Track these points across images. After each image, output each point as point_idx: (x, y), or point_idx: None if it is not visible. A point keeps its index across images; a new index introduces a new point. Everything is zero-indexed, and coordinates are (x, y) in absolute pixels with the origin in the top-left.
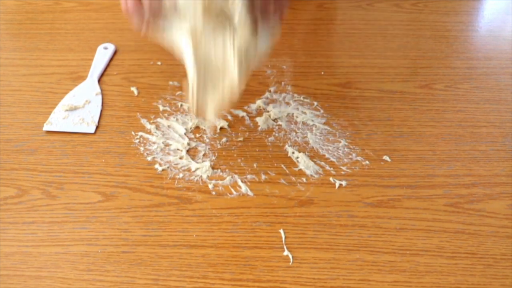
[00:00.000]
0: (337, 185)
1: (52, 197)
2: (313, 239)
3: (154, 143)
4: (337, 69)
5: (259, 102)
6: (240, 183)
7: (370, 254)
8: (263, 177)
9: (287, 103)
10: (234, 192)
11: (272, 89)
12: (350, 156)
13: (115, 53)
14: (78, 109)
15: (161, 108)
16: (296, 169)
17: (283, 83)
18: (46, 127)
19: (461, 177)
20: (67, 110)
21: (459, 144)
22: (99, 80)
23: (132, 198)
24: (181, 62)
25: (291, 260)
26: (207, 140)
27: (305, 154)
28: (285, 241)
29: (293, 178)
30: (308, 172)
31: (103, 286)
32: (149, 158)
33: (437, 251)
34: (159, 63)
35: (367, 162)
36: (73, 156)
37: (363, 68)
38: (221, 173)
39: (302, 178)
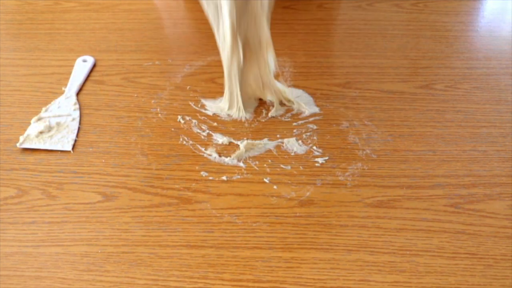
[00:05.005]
0: (336, 184)
1: (52, 197)
2: (313, 239)
3: None
4: (337, 69)
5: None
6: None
7: (370, 254)
8: (263, 177)
9: None
10: (234, 192)
11: None
12: (350, 156)
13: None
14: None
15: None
16: (296, 171)
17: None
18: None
19: (461, 177)
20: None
21: (459, 144)
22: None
23: (132, 198)
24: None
25: None
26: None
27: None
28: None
29: (293, 178)
30: (308, 171)
31: (103, 286)
32: None
33: (437, 251)
34: (158, 62)
35: (367, 162)
36: (73, 156)
37: (363, 68)
38: (221, 173)
39: (302, 178)
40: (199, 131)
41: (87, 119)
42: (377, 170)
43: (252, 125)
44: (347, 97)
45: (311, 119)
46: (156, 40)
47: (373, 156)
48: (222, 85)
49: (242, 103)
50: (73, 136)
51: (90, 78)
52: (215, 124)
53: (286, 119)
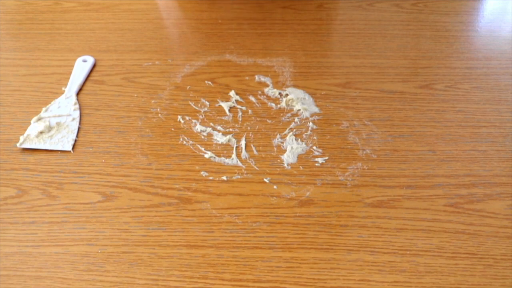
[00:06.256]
0: (336, 184)
1: (52, 197)
2: (313, 239)
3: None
4: (337, 69)
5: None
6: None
7: (370, 254)
8: (263, 177)
9: None
10: (234, 192)
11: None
12: (350, 156)
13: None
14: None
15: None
16: (296, 171)
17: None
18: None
19: (461, 177)
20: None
21: (459, 144)
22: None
23: (132, 198)
24: None
25: None
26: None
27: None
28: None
29: (293, 178)
30: (308, 171)
31: (103, 286)
32: None
33: (437, 251)
34: (158, 62)
35: (367, 162)
36: (73, 156)
37: (363, 68)
38: (221, 173)
39: (302, 178)
40: (199, 131)
41: (87, 119)
42: (377, 170)
43: (255, 126)
44: (347, 97)
45: (311, 119)
46: (156, 40)
47: (373, 156)
48: (222, 85)
49: None
50: (73, 136)
51: (90, 78)
52: (215, 124)
53: (286, 119)
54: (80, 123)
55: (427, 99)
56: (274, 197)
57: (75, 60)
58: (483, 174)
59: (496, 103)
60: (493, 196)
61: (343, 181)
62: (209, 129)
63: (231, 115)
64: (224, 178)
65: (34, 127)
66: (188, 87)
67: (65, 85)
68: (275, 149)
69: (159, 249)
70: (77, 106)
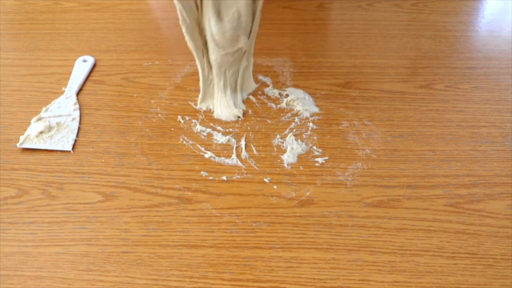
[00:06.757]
0: (336, 184)
1: (52, 197)
2: (313, 239)
3: None
4: (337, 69)
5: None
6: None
7: (370, 254)
8: (263, 177)
9: None
10: (234, 192)
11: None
12: (350, 156)
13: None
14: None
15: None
16: (296, 171)
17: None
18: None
19: (461, 177)
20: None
21: (459, 144)
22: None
23: (132, 198)
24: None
25: None
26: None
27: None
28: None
29: (293, 178)
30: (308, 171)
31: (103, 286)
32: None
33: (437, 251)
34: (158, 62)
35: (367, 162)
36: (73, 156)
37: (363, 68)
38: (220, 172)
39: (302, 178)
40: (199, 131)
41: (87, 119)
42: (377, 170)
43: (255, 126)
44: (347, 97)
45: (311, 119)
46: (156, 40)
47: (373, 156)
48: None
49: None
50: (73, 136)
51: (90, 78)
52: (215, 124)
53: (286, 119)
54: (80, 123)
55: (427, 99)
56: (274, 197)
57: (75, 60)
58: (483, 174)
59: (496, 103)
60: (493, 196)
61: (343, 181)
62: (209, 129)
63: None
64: (224, 178)
65: (34, 127)
66: (188, 87)
67: (65, 85)
68: (275, 149)
69: (159, 249)
70: (77, 106)
